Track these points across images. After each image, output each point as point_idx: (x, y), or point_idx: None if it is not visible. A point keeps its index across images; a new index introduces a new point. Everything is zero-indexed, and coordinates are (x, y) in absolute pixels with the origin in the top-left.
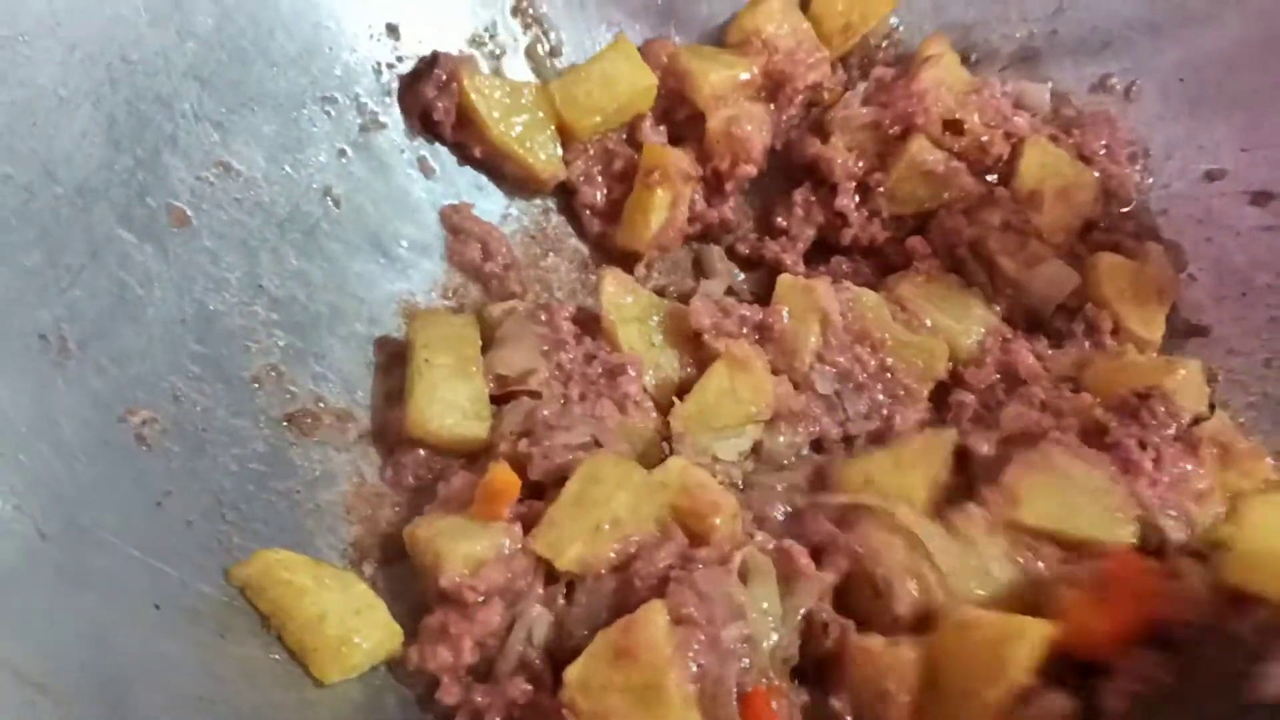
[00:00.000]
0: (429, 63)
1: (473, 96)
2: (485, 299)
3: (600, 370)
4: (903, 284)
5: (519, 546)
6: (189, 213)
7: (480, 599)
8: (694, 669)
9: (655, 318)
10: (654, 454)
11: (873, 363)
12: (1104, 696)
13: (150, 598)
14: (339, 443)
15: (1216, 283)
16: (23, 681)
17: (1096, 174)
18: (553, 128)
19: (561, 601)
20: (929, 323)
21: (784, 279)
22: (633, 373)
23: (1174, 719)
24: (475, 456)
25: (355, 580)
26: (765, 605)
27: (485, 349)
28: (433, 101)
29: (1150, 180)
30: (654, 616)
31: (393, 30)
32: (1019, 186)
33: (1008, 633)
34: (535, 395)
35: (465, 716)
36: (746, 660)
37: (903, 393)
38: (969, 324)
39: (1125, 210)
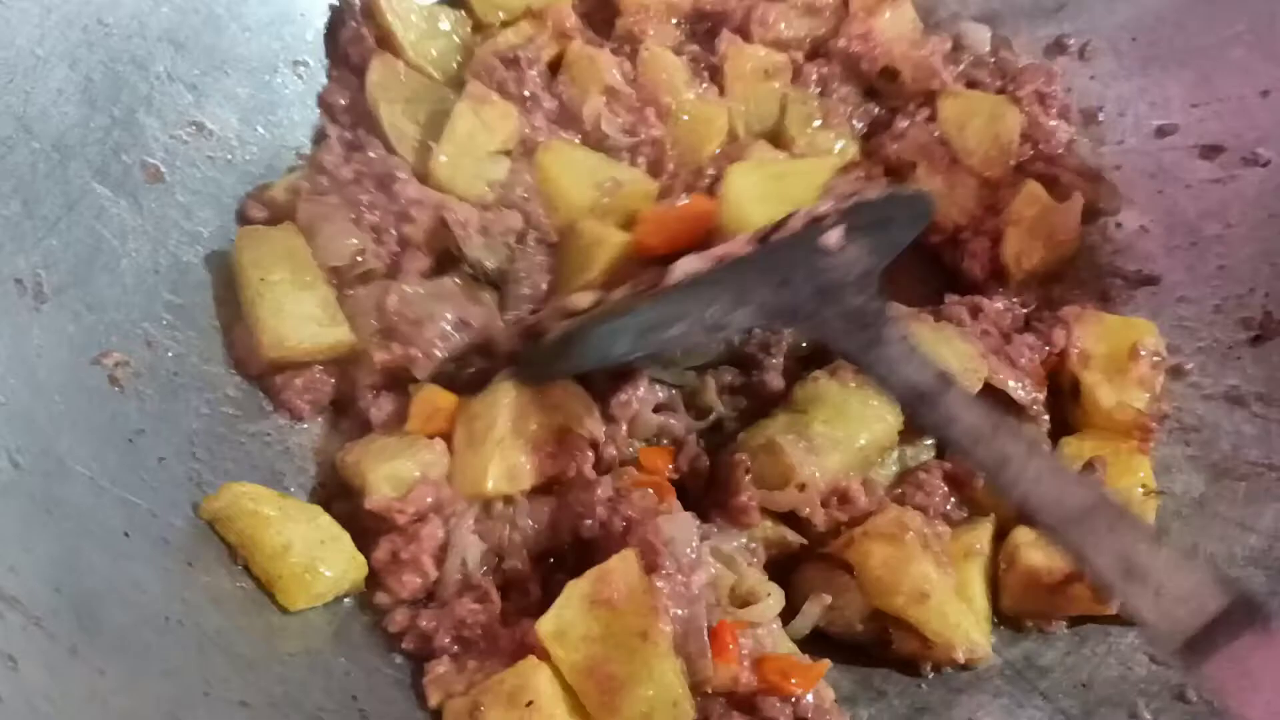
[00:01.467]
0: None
1: (388, 19)
2: None
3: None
4: None
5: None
6: (163, 169)
7: (414, 519)
8: (671, 614)
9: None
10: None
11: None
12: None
13: (121, 526)
14: None
15: (1167, 233)
16: None
17: (1022, 115)
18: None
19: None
20: None
21: (572, 48)
22: (402, 175)
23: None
24: (349, 361)
25: (320, 513)
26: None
27: None
28: (352, 37)
29: (1103, 138)
30: (629, 566)
31: None
32: (943, 131)
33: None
34: (370, 275)
35: (413, 642)
36: (712, 598)
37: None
38: None
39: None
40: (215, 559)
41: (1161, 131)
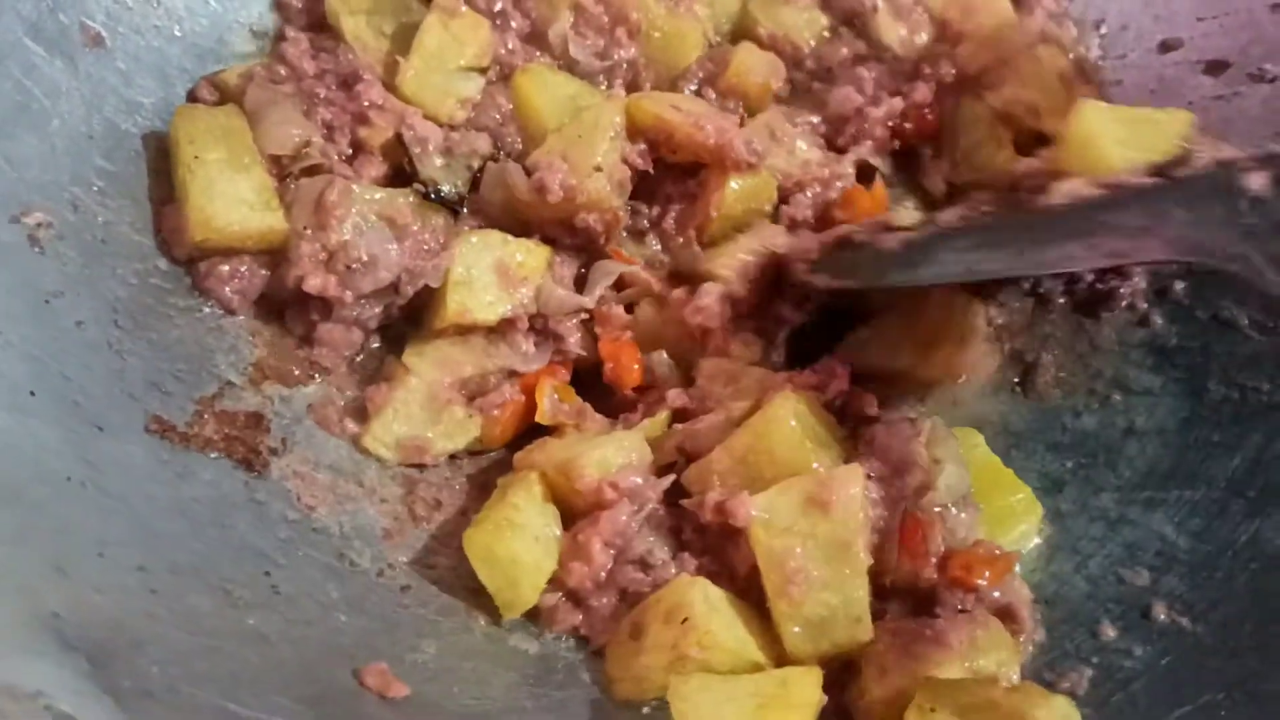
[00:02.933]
0: None
1: None
2: None
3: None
4: None
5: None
6: (104, 34)
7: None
8: (875, 523)
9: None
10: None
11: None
12: None
13: (27, 384)
14: None
15: None
16: None
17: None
18: None
19: None
20: None
21: None
22: (368, 76)
23: None
24: (277, 251)
25: None
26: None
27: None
28: None
29: (1104, 52)
30: (855, 477)
31: None
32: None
33: None
34: (316, 170)
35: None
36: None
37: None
38: None
39: None
40: (128, 426)
41: (1165, 46)
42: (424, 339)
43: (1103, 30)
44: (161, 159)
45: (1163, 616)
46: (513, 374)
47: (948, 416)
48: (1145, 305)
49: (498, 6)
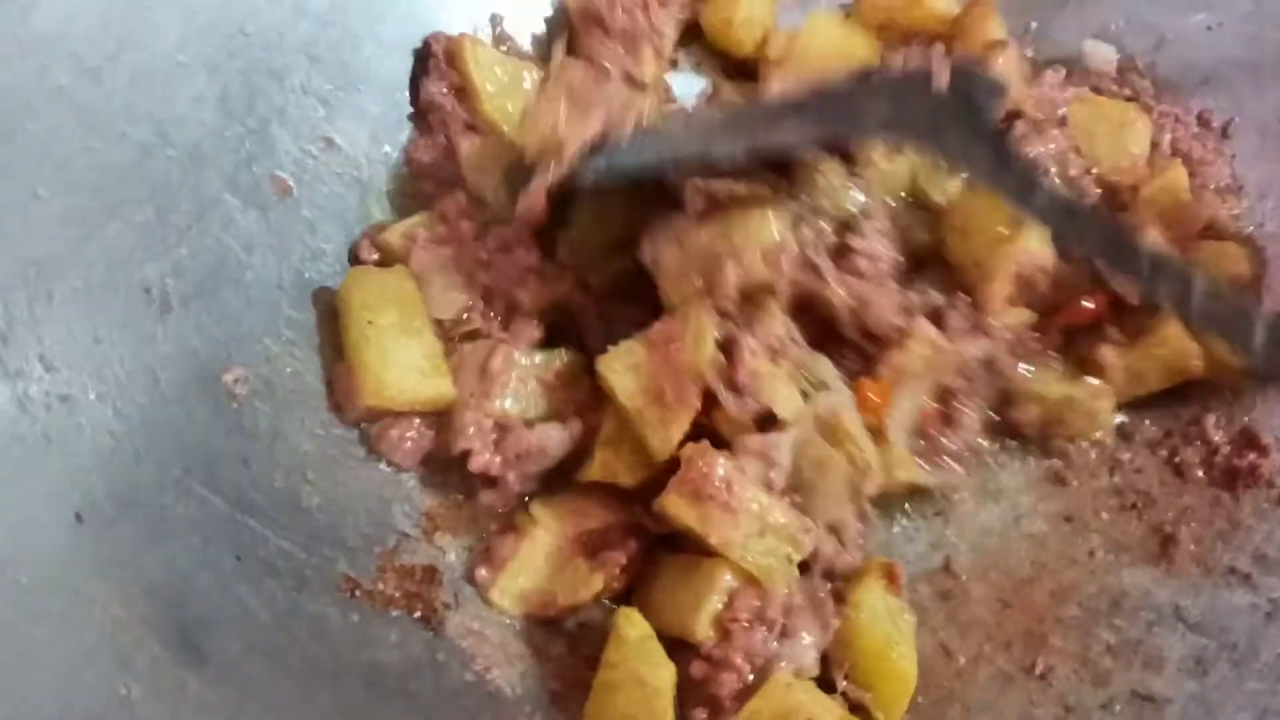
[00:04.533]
0: (423, 52)
1: (470, 68)
2: None
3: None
4: None
5: None
6: (291, 183)
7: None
8: None
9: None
10: None
11: None
12: None
13: (233, 549)
14: None
15: None
16: (108, 617)
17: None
18: None
19: None
20: None
21: None
22: (526, 242)
23: None
24: (443, 413)
25: None
26: None
27: None
28: (433, 94)
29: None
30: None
31: (495, 20)
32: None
33: None
34: (475, 334)
35: None
36: None
37: None
38: None
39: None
40: (323, 587)
41: None
42: (554, 489)
43: (1241, 199)
44: (330, 318)
45: None
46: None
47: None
48: None
49: None
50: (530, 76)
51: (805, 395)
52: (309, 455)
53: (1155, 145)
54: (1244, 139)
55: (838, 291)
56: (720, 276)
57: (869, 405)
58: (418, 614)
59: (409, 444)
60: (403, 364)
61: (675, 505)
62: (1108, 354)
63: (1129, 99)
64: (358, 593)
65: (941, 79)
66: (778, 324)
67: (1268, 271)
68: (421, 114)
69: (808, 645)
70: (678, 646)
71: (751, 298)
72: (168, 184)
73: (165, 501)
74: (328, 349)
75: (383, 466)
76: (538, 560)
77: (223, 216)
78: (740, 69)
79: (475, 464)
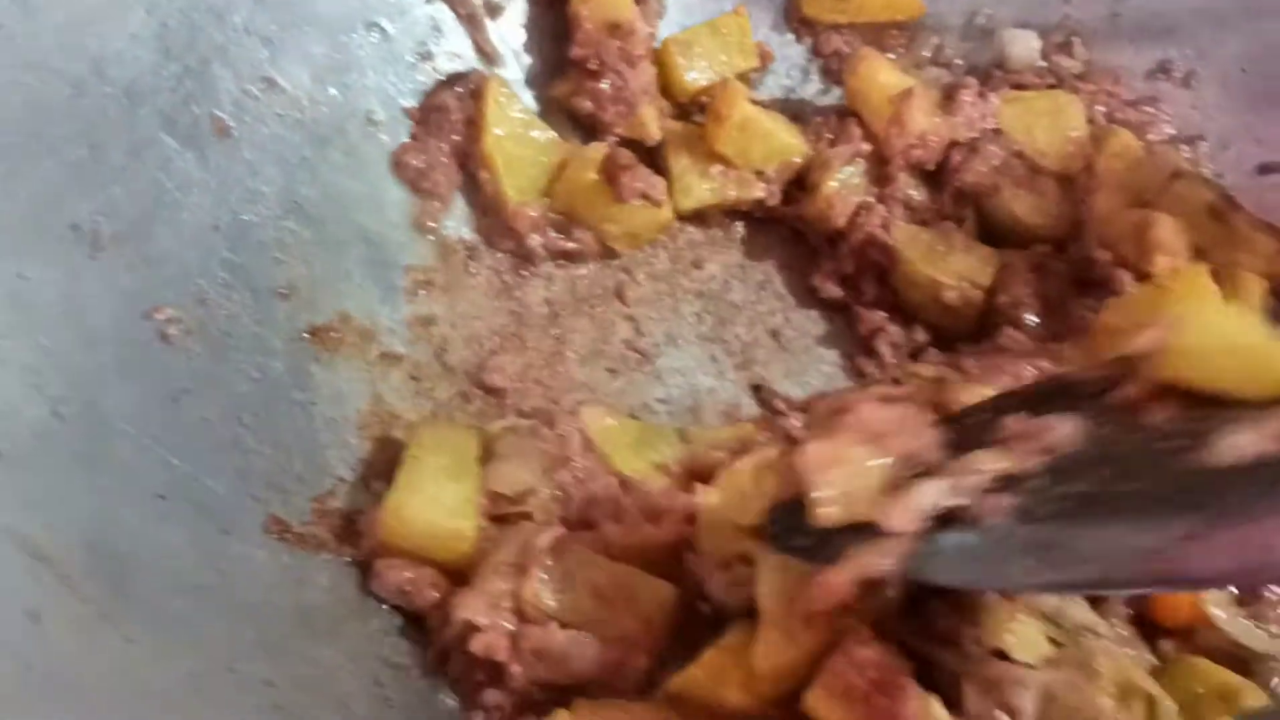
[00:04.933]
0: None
1: (490, 104)
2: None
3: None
4: None
5: None
6: (231, 124)
7: None
8: None
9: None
10: None
11: None
12: None
13: (158, 488)
14: (359, 361)
15: None
16: (27, 553)
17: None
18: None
19: None
20: None
21: None
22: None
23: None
24: (455, 574)
25: None
26: None
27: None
28: (447, 104)
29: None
30: None
31: None
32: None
33: None
34: (527, 516)
35: None
36: None
37: None
38: None
39: None
40: (252, 527)
41: (1265, 169)
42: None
43: (1202, 148)
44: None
45: None
46: None
47: None
48: None
49: None
50: (542, 132)
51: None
52: (244, 397)
53: (1092, 122)
54: (1205, 90)
55: None
56: None
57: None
58: (350, 558)
59: (413, 588)
60: (430, 497)
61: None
62: None
63: (1052, 86)
64: (288, 535)
65: None
66: None
67: None
68: (424, 112)
69: None
70: None
71: None
72: (102, 122)
73: (88, 438)
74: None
75: (321, 410)
76: None
77: (159, 156)
78: None
79: (479, 644)
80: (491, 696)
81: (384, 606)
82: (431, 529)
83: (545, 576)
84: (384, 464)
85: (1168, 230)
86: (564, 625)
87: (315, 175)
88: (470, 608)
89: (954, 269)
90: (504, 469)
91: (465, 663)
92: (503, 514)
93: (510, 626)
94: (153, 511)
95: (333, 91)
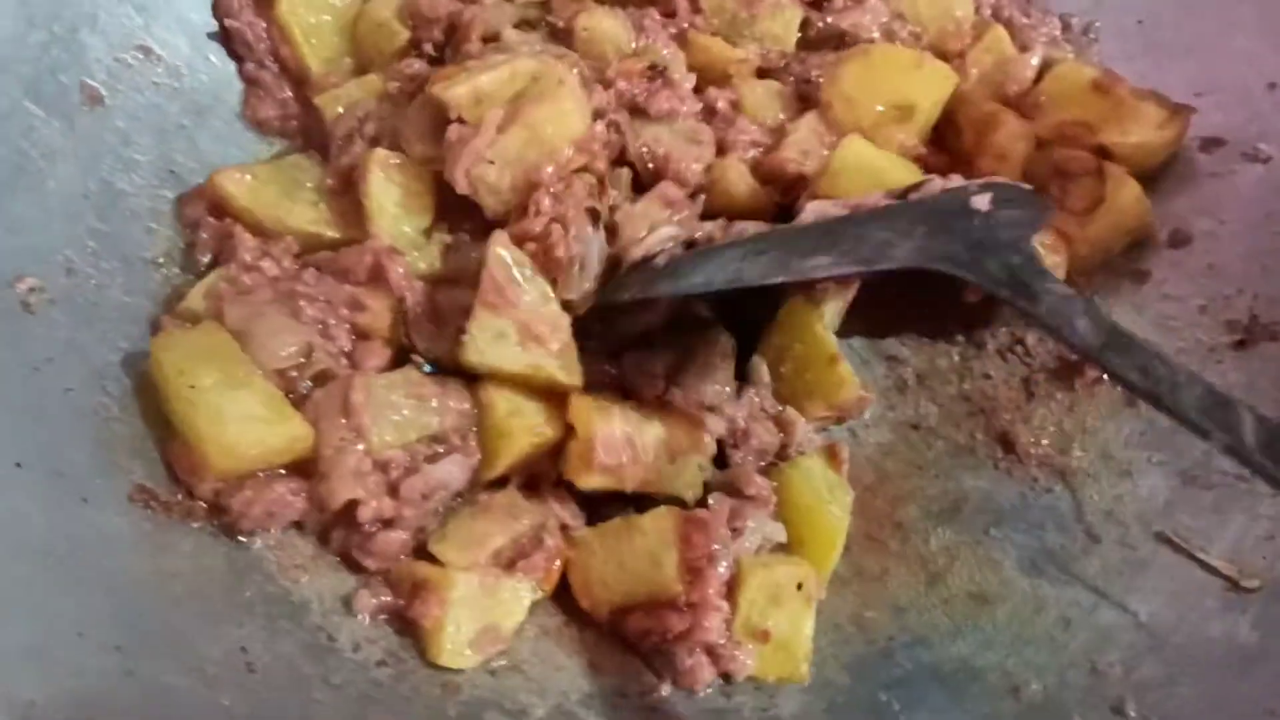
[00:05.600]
0: None
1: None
2: None
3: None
4: None
5: None
6: (103, 92)
7: None
8: None
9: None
10: None
11: None
12: None
13: (13, 456)
14: None
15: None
16: None
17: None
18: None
19: None
20: None
21: None
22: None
23: None
24: (308, 464)
25: None
26: None
27: None
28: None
29: None
30: None
31: None
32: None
33: None
34: (325, 376)
35: None
36: None
37: None
38: None
39: None
40: (114, 496)
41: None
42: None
43: None
44: (148, 391)
45: (1133, 714)
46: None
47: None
48: None
49: None
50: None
51: None
52: (110, 367)
53: (977, 10)
54: (1105, 42)
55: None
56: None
57: None
58: (217, 525)
59: (279, 509)
60: (239, 417)
61: (583, 479)
62: (1069, 226)
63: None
64: (154, 504)
65: (982, 201)
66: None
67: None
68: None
69: (761, 523)
70: (635, 613)
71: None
72: None
73: None
74: (156, 426)
75: None
76: (467, 604)
77: (21, 124)
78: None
79: (365, 513)
80: (383, 540)
81: (255, 574)
82: (266, 445)
83: (374, 421)
84: None
85: (1007, 135)
86: (432, 460)
87: (193, 144)
88: (342, 490)
89: None
90: (264, 344)
91: (354, 527)
92: (297, 389)
93: (383, 480)
94: (6, 479)
95: (212, 59)
